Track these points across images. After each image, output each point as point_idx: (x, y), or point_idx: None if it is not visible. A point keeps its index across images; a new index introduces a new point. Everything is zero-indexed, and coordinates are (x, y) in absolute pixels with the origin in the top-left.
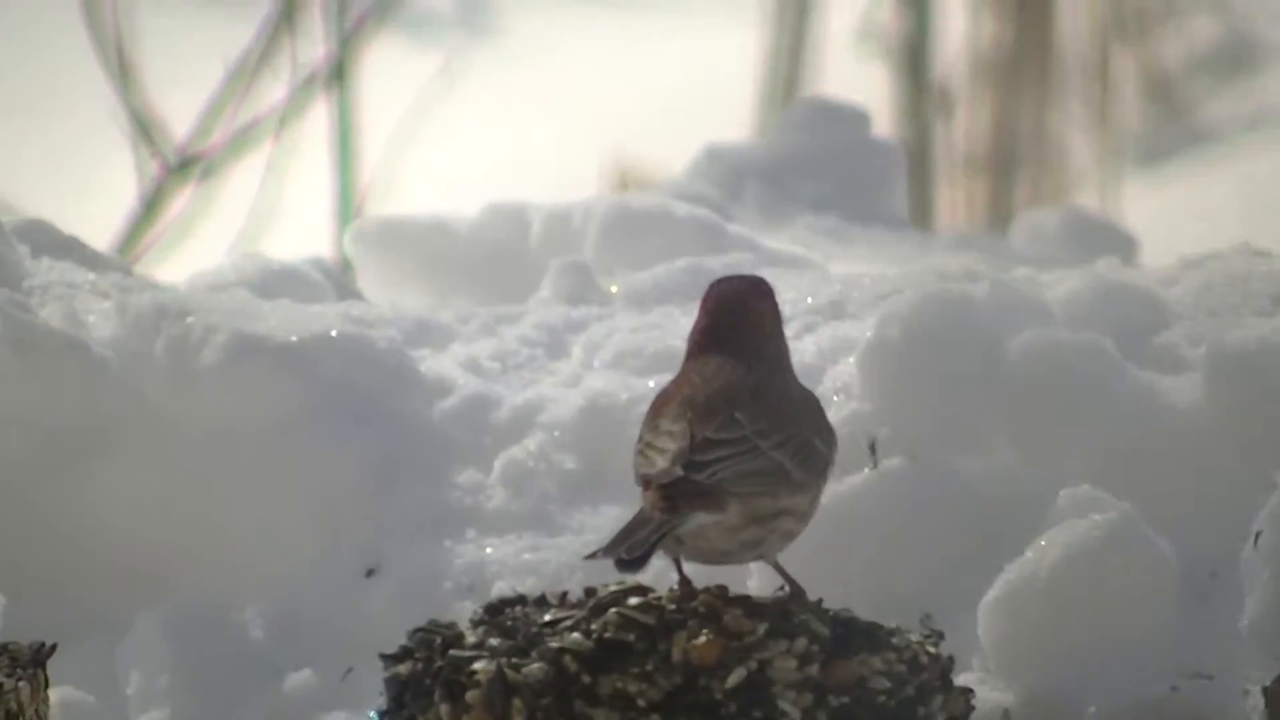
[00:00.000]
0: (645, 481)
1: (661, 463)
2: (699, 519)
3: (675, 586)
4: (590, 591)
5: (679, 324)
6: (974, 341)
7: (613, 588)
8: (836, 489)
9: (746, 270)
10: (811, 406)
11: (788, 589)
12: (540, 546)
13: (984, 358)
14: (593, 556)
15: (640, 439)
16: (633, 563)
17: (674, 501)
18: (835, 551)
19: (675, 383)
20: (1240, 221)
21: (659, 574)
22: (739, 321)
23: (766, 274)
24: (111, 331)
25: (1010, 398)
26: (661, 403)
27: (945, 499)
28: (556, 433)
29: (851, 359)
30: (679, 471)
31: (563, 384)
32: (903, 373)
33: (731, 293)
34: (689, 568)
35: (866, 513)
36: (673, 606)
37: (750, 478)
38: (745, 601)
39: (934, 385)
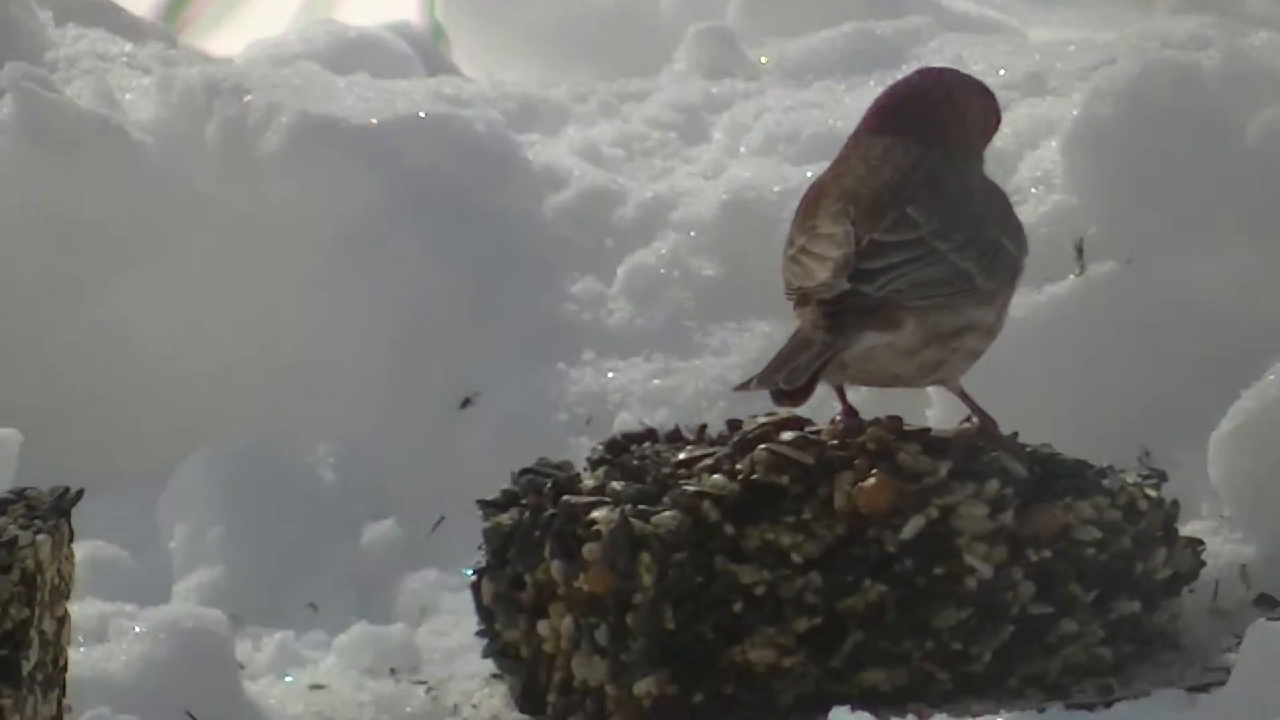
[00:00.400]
0: (802, 297)
1: (821, 274)
2: (869, 340)
3: (838, 418)
4: (734, 425)
5: (842, 103)
6: (1204, 122)
7: (762, 420)
8: (1034, 299)
9: (927, 36)
10: (998, 200)
11: (975, 420)
12: (673, 370)
13: (1216, 141)
14: (744, 387)
15: (791, 242)
16: (793, 394)
17: (839, 320)
18: (1033, 375)
19: (833, 170)
20: None
21: (818, 403)
22: (931, 107)
23: (953, 40)
24: (153, 112)
25: (1249, 189)
26: (816, 196)
27: (1168, 311)
28: (693, 233)
29: (1054, 143)
30: (844, 284)
31: (701, 174)
32: (1117, 159)
33: (933, 80)
34: (854, 394)
35: (1071, 328)
36: (835, 442)
37: (929, 288)
38: (923, 436)
39: (1155, 175)
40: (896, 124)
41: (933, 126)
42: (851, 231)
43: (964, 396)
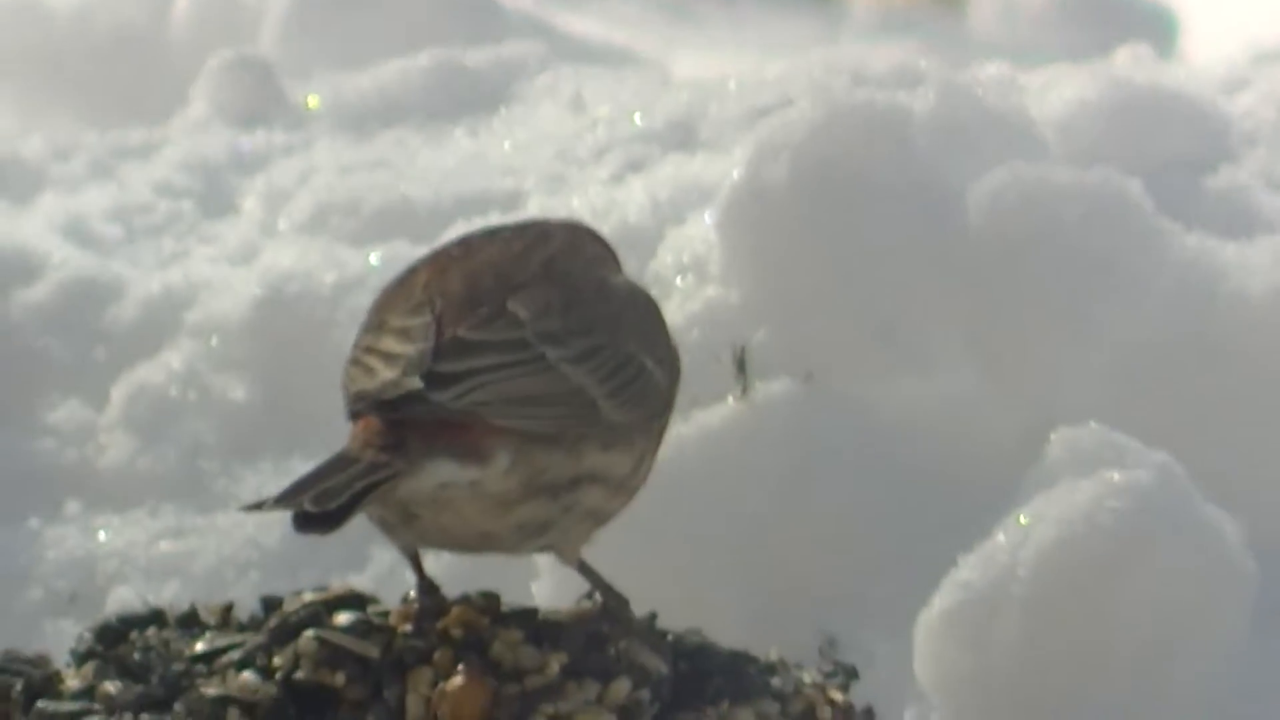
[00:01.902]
0: (356, 406)
1: (386, 372)
2: (442, 473)
3: (412, 594)
4: (272, 604)
5: (417, 160)
6: (911, 190)
7: (309, 597)
8: (679, 430)
9: (535, 68)
10: (646, 310)
11: (599, 598)
12: (188, 529)
13: (928, 213)
14: (255, 508)
15: (356, 344)
16: (321, 519)
17: (401, 437)
18: (678, 534)
19: (424, 260)
20: None
21: (387, 574)
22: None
23: (568, 74)
24: None
25: (971, 278)
26: (395, 291)
27: (860, 446)
28: (216, 340)
29: (706, 216)
30: (413, 383)
31: (226, 259)
32: (790, 240)
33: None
34: (435, 562)
35: (730, 469)
36: (408, 628)
37: (526, 405)
38: (528, 619)
39: (843, 261)
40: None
41: (557, 226)
42: (432, 325)
43: (584, 569)
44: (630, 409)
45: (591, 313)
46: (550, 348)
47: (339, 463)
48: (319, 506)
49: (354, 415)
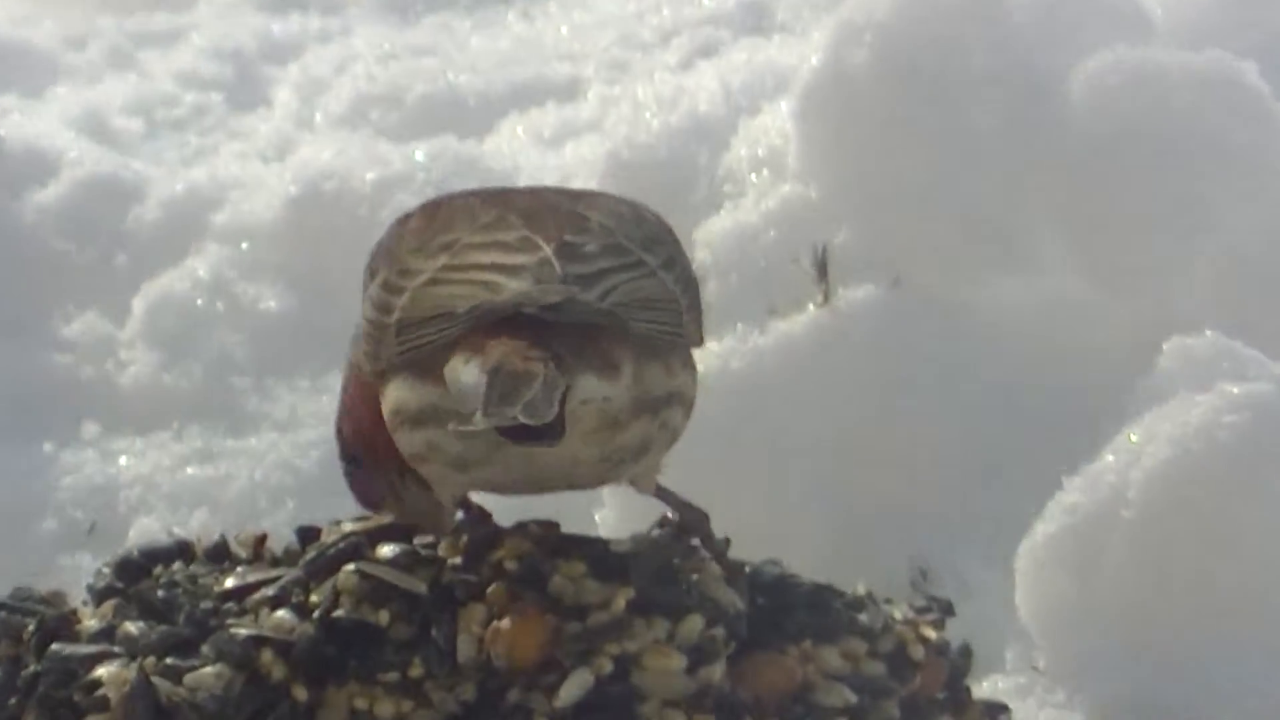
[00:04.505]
0: (474, 320)
1: (514, 283)
2: (587, 387)
3: (461, 523)
4: (309, 535)
5: (466, 46)
6: (1008, 70)
7: (349, 527)
8: (754, 341)
9: None
10: (676, 241)
11: (672, 518)
12: (217, 453)
13: (1026, 99)
14: (466, 424)
15: (405, 272)
16: (544, 430)
17: (547, 348)
18: (752, 457)
19: (458, 196)
20: None
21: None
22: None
23: None
24: None
25: (1073, 169)
26: (441, 215)
27: (954, 355)
28: (247, 244)
29: (783, 106)
30: (562, 288)
31: (258, 155)
32: (875, 131)
33: None
34: (481, 495)
35: (810, 383)
36: (458, 560)
37: (649, 311)
38: (593, 548)
39: (933, 150)
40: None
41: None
42: (529, 236)
43: (661, 492)
44: (696, 319)
45: (650, 229)
46: (644, 253)
47: (516, 378)
48: (536, 417)
49: (466, 332)
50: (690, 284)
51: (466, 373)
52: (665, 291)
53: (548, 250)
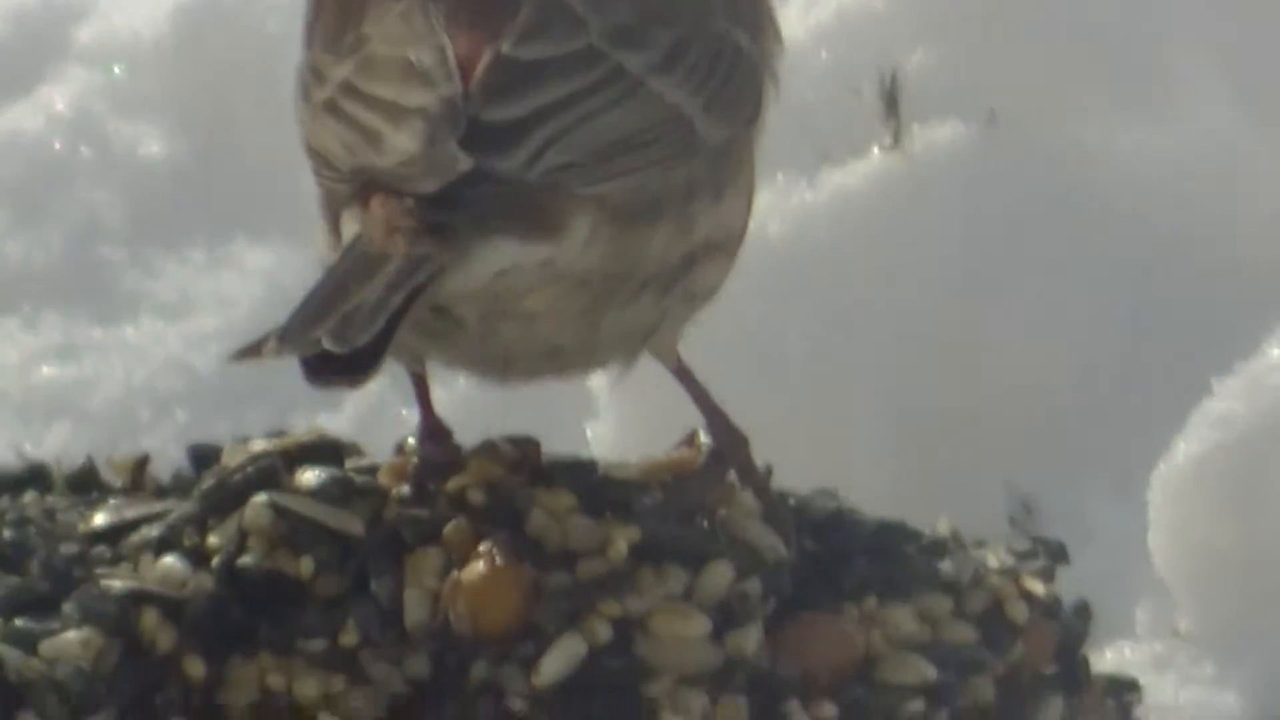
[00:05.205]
0: (362, 183)
1: (401, 139)
2: (501, 253)
3: (411, 440)
4: (207, 457)
5: None
6: None
7: (260, 447)
8: (807, 198)
9: None
10: None
11: (705, 439)
12: (82, 347)
13: None
14: (250, 354)
15: (316, 74)
16: (351, 363)
17: (440, 212)
18: (805, 344)
19: None
20: None
21: (373, 411)
22: None
23: None
24: None
25: None
26: None
27: (1065, 215)
28: (120, 69)
29: None
30: (459, 160)
31: None
32: None
33: None
34: (444, 394)
35: (878, 247)
36: (406, 490)
37: (624, 155)
38: (583, 476)
39: None
40: None
41: None
42: (447, 46)
43: (684, 376)
44: (730, 116)
45: None
46: (628, 53)
47: (356, 265)
48: (345, 343)
49: (359, 192)
50: (719, 58)
51: (331, 247)
52: (655, 112)
53: (455, 85)
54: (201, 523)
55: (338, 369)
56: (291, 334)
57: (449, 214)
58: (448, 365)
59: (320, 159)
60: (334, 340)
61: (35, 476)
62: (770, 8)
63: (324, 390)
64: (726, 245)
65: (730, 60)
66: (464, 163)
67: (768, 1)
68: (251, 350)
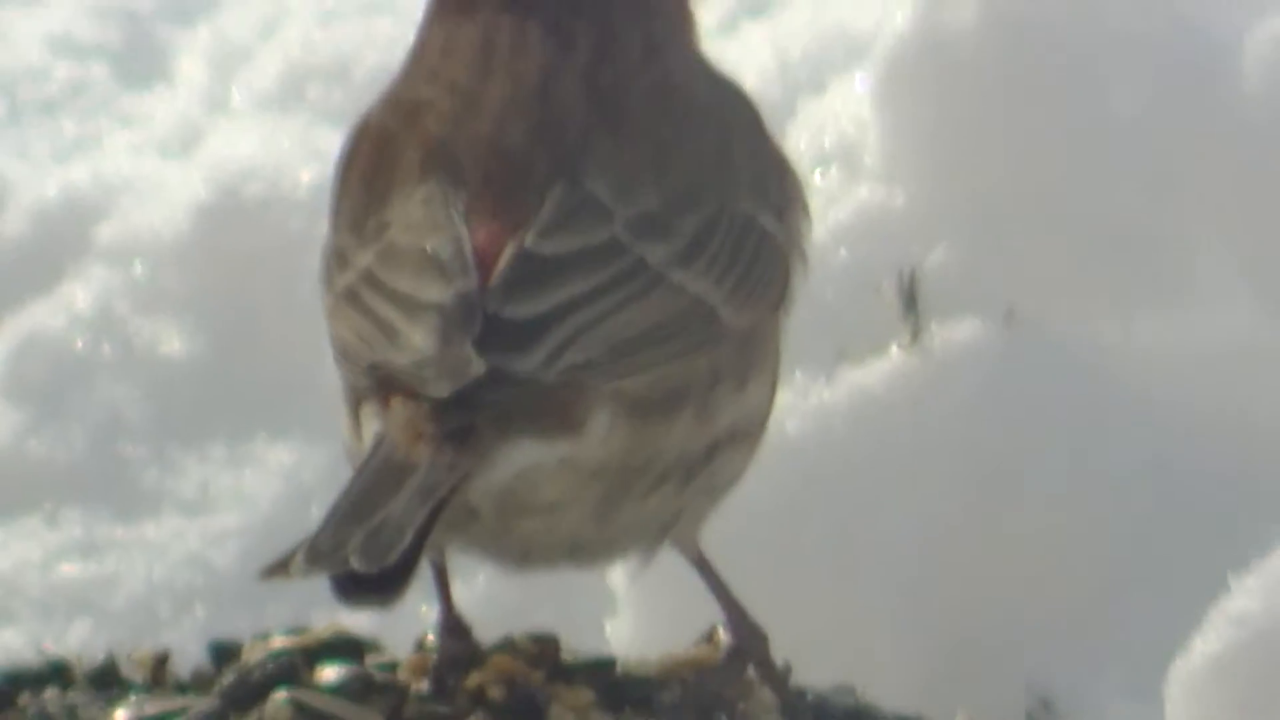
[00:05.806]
0: (381, 376)
1: (419, 336)
2: (522, 453)
3: (431, 637)
4: (227, 653)
5: None
6: (1158, 37)
7: (281, 643)
8: (825, 397)
9: None
10: (739, 113)
11: (723, 635)
12: (103, 545)
13: (1183, 75)
14: (278, 572)
15: (341, 259)
16: (381, 582)
17: (465, 425)
18: (825, 542)
19: (404, 86)
20: None
21: (389, 614)
22: None
23: None
24: None
25: (1244, 166)
26: (377, 153)
27: (1083, 413)
28: (141, 268)
29: (858, 80)
30: (473, 361)
31: (158, 148)
32: (980, 114)
33: None
34: (465, 589)
35: (897, 447)
36: (426, 685)
37: (644, 350)
38: (602, 673)
39: (1057, 143)
40: None
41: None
42: (464, 236)
43: (705, 570)
44: (755, 302)
45: (691, 161)
46: (650, 245)
47: (381, 474)
48: (374, 562)
49: (379, 385)
50: (742, 240)
51: (355, 446)
52: (676, 305)
53: (472, 278)
54: (223, 718)
55: (368, 588)
56: (319, 551)
57: (468, 416)
58: (465, 551)
59: (339, 349)
60: (362, 560)
61: (56, 673)
62: (798, 181)
63: (355, 609)
64: (750, 432)
65: (756, 243)
66: (478, 366)
67: (795, 175)
68: (279, 568)
